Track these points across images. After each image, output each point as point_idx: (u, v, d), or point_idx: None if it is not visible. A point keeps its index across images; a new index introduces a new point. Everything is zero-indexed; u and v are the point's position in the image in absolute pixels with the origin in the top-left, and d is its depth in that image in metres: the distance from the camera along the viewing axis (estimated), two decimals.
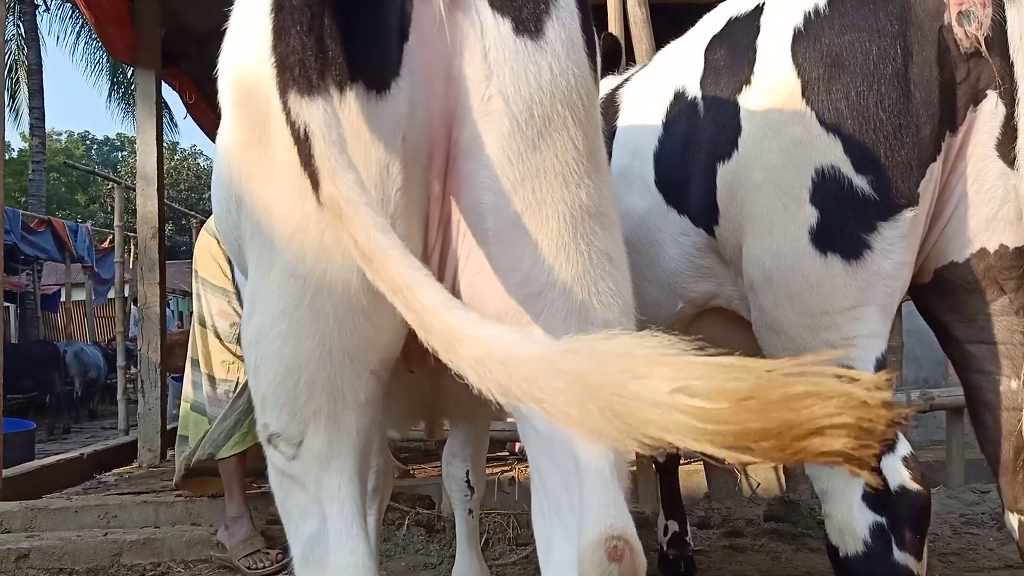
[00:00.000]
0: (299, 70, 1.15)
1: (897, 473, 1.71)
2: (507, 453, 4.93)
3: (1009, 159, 1.71)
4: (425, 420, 2.44)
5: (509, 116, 1.28)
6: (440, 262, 1.40)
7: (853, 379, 0.86)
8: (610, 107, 2.48)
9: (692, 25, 2.30)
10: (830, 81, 1.76)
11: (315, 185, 1.13)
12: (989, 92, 1.73)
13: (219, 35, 1.48)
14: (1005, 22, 1.68)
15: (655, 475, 3.42)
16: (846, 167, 1.76)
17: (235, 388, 3.54)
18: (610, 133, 2.38)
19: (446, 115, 1.30)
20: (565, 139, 1.32)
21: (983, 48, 1.70)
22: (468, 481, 2.83)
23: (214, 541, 3.77)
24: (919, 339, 4.09)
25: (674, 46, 2.36)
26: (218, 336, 3.60)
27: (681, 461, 3.59)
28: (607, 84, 2.68)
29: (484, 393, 1.03)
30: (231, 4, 1.47)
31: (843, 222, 1.77)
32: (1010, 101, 1.69)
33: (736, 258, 2.00)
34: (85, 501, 4.30)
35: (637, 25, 3.84)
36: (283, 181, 1.31)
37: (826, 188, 1.78)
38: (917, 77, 1.71)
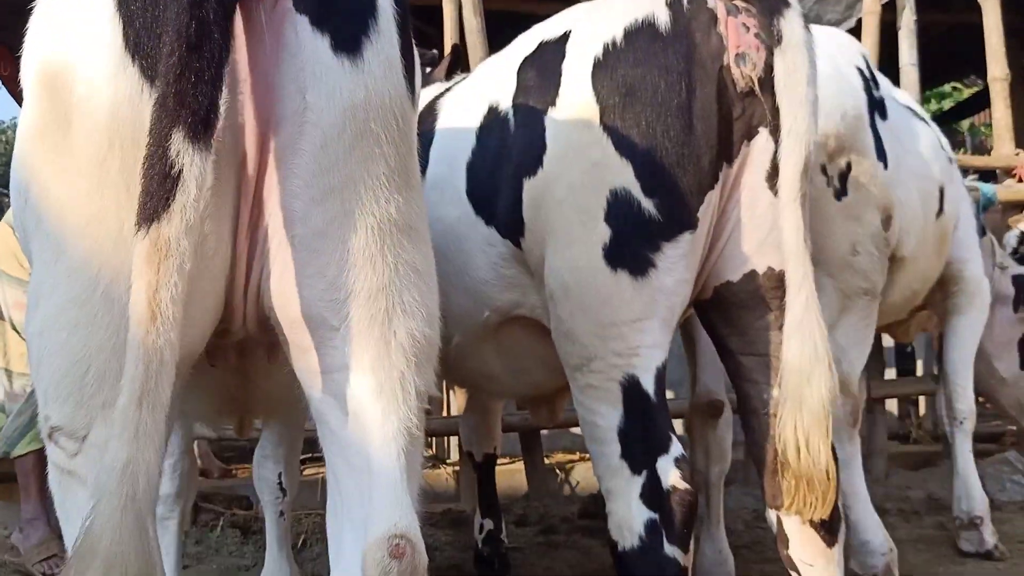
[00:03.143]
0: (199, 116, 1.19)
1: (669, 473, 1.87)
2: None
3: (776, 191, 1.90)
4: (234, 418, 2.42)
5: (321, 129, 1.34)
6: (248, 264, 1.43)
7: None
8: (429, 115, 2.54)
9: None
10: (624, 109, 1.90)
11: (152, 218, 1.18)
12: (761, 129, 1.92)
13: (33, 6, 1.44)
14: None
15: (474, 474, 3.51)
16: (636, 190, 1.90)
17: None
18: (428, 140, 2.44)
19: (261, 122, 1.34)
20: (377, 155, 1.38)
21: (756, 88, 1.88)
22: (281, 483, 2.81)
23: (8, 544, 3.54)
24: None
25: (491, 61, 2.45)
26: (15, 328, 3.39)
27: (499, 460, 3.70)
28: (431, 92, 2.73)
29: None
30: None
31: (631, 241, 1.91)
32: (777, 138, 1.87)
33: (540, 269, 2.10)
34: None
35: (472, 34, 3.93)
36: (83, 172, 1.32)
37: (618, 208, 1.91)
38: (699, 111, 1.87)
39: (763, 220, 1.96)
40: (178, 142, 1.18)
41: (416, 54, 1.57)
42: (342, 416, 1.43)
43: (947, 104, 12.64)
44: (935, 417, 5.12)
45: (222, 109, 1.27)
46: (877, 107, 2.74)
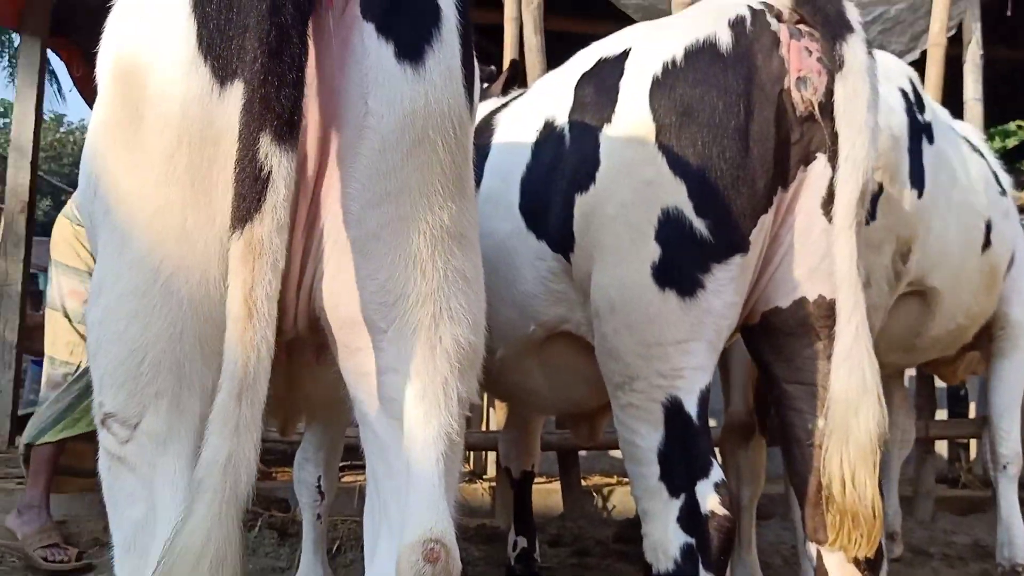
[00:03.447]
0: (284, 118, 1.23)
1: (708, 497, 1.84)
2: None
3: (831, 217, 1.87)
4: (278, 417, 2.45)
5: (381, 134, 1.36)
6: (302, 263, 1.46)
7: None
8: (486, 130, 2.56)
9: None
10: (680, 129, 1.89)
11: (245, 219, 1.21)
12: (819, 154, 1.90)
13: (111, 8, 1.50)
14: None
15: (510, 491, 3.50)
16: (688, 210, 1.89)
17: (75, 371, 3.39)
18: (484, 154, 2.46)
19: (323, 125, 1.37)
20: (433, 163, 1.40)
21: (816, 112, 1.86)
22: (319, 486, 2.84)
23: (3, 528, 3.52)
24: None
25: (549, 77, 2.47)
26: (67, 316, 3.44)
27: (536, 479, 3.68)
28: (488, 107, 2.76)
29: None
30: None
31: (681, 261, 1.90)
32: (835, 164, 1.85)
33: (587, 285, 2.10)
34: None
35: (532, 52, 3.96)
36: (152, 166, 1.35)
37: (670, 228, 1.90)
38: (757, 134, 1.86)
39: (816, 247, 1.93)
40: (266, 145, 1.22)
41: (477, 66, 1.59)
42: (385, 418, 1.44)
43: (1011, 142, 12.35)
44: (985, 461, 4.97)
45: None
46: (922, 131, 2.67)
